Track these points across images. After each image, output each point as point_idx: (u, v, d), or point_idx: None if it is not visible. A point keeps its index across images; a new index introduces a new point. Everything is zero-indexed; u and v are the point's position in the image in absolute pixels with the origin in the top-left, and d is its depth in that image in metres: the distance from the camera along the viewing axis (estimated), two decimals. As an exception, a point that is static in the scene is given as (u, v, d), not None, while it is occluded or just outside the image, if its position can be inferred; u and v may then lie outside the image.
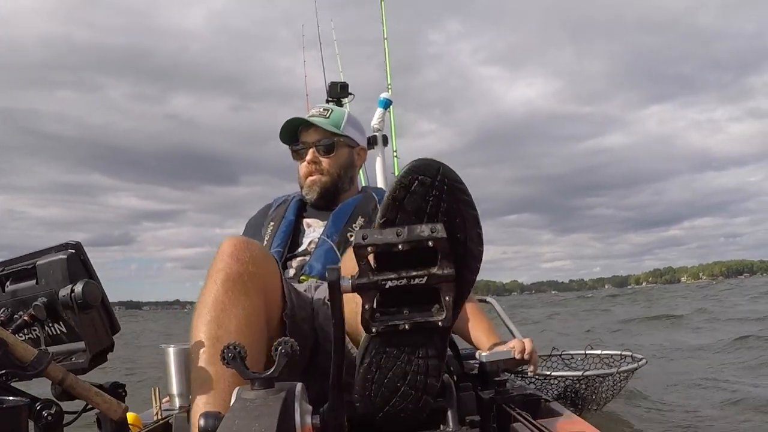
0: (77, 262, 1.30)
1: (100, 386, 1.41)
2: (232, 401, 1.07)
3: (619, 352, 3.87)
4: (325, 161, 2.35)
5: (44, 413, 1.19)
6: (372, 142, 3.71)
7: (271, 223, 2.38)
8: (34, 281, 1.32)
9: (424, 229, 0.93)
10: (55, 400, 1.25)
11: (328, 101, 3.73)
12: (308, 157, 2.35)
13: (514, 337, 2.43)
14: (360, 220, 2.24)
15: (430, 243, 0.94)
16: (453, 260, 0.95)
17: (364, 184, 3.59)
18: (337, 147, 2.37)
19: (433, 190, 1.01)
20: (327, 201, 2.36)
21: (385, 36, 4.24)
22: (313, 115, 2.40)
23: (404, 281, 0.96)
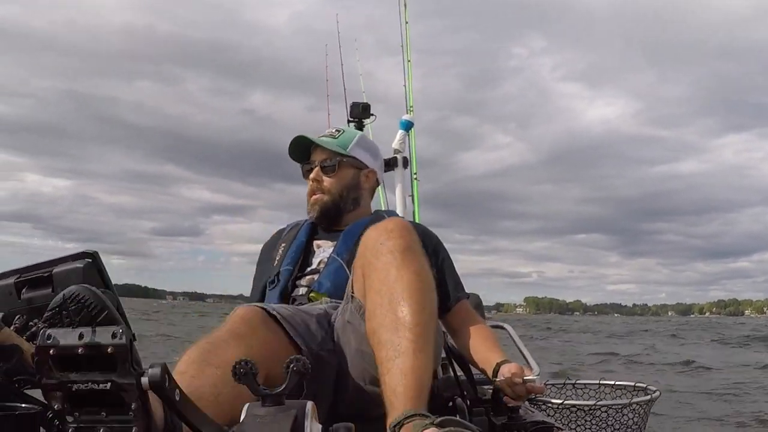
0: (94, 272, 1.31)
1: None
2: (242, 417, 1.07)
3: (633, 383, 3.83)
4: (326, 180, 2.34)
5: (56, 422, 1.19)
6: (392, 163, 3.71)
7: (282, 245, 2.41)
8: (50, 289, 1.33)
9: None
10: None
11: (349, 122, 3.74)
12: (311, 175, 2.35)
13: (528, 364, 2.41)
14: None
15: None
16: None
17: (383, 208, 3.59)
18: (340, 167, 2.35)
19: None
20: (329, 221, 2.37)
21: (408, 59, 4.24)
22: (323, 136, 2.41)
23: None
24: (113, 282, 1.37)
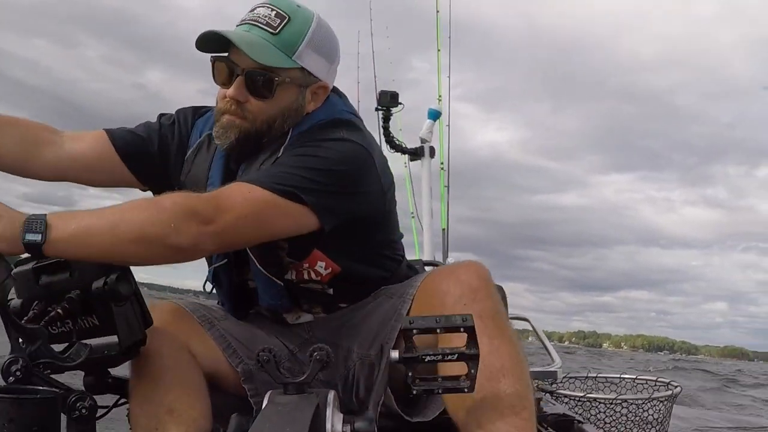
0: None
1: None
2: (264, 404, 1.05)
3: (654, 378, 3.81)
4: (254, 104, 1.52)
5: (78, 405, 1.19)
6: (419, 153, 3.69)
7: (194, 170, 1.69)
8: (68, 274, 1.32)
9: (457, 319, 1.11)
10: (88, 393, 1.25)
11: (377, 110, 3.66)
12: (230, 92, 1.51)
13: (550, 356, 2.38)
14: None
15: (461, 329, 1.11)
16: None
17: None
18: (280, 87, 1.52)
19: None
20: (245, 152, 1.59)
21: (439, 48, 4.22)
22: (254, 22, 1.52)
23: (439, 357, 1.14)
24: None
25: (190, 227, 1.31)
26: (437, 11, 4.25)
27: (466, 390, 1.15)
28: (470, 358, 1.13)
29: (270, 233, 1.46)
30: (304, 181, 1.42)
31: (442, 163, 3.89)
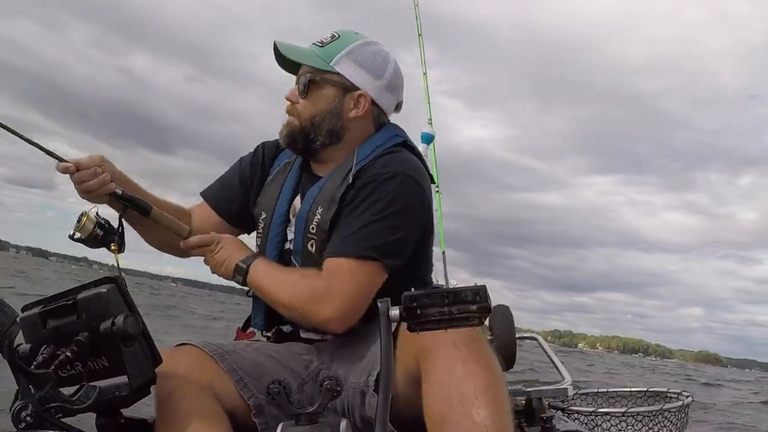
0: (117, 296, 1.30)
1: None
2: (277, 437, 1.05)
3: (665, 390, 3.79)
4: (301, 104, 1.84)
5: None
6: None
7: (272, 187, 1.95)
8: (75, 316, 1.32)
9: (468, 294, 1.01)
10: None
11: None
12: (286, 93, 1.88)
13: (560, 373, 2.37)
14: (318, 213, 1.79)
15: (473, 306, 1.02)
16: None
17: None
18: (316, 87, 1.83)
19: None
20: (301, 152, 1.91)
21: (425, 71, 4.19)
22: (317, 42, 1.87)
23: (446, 316, 1.03)
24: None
25: (312, 317, 1.67)
26: (419, 34, 4.23)
27: (474, 324, 1.05)
28: (481, 312, 1.03)
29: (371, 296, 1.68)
30: (379, 237, 1.68)
31: (437, 186, 3.87)
